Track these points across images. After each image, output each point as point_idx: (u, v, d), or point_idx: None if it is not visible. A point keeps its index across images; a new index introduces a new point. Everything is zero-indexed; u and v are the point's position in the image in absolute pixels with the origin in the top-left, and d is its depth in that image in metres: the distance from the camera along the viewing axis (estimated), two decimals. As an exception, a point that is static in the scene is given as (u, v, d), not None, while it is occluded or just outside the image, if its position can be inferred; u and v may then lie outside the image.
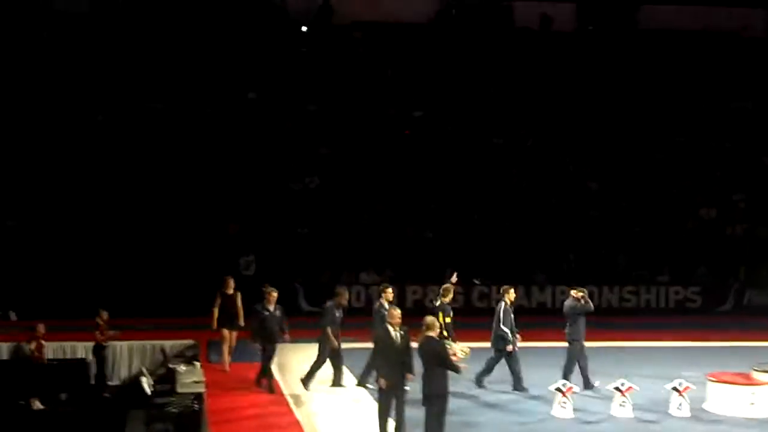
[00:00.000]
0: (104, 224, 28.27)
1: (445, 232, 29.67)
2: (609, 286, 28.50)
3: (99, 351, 20.91)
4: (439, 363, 12.96)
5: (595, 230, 30.93)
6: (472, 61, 36.31)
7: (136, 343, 22.11)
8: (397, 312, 13.77)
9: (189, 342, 22.17)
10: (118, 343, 21.53)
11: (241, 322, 19.15)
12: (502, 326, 17.36)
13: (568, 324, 17.65)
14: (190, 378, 18.45)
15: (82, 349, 21.54)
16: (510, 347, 17.33)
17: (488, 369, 17.70)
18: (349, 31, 37.48)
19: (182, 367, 19.71)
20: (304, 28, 37.77)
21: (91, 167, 30.28)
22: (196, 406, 16.50)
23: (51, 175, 29.83)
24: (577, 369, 17.45)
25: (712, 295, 28.88)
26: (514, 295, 17.86)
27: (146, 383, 18.23)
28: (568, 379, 16.63)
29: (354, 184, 31.34)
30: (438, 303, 17.30)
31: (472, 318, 21.91)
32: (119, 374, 21.94)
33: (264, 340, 17.68)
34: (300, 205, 30.32)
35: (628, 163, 33.50)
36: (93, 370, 21.16)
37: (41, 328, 20.11)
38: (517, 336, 17.47)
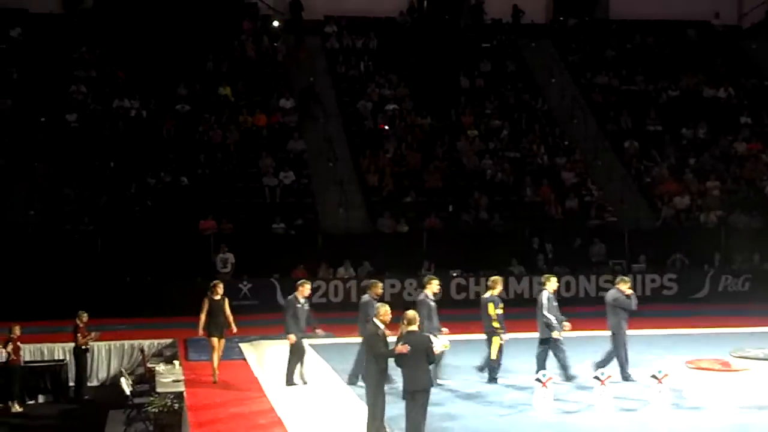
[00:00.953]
0: (78, 224, 28.09)
1: (418, 226, 29.62)
2: (585, 275, 28.59)
3: (79, 353, 20.80)
4: (425, 357, 12.92)
5: (571, 220, 31.07)
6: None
7: (114, 344, 22.05)
8: (386, 308, 13.60)
9: (168, 341, 22.14)
10: (96, 344, 21.44)
11: (233, 329, 18.25)
12: (546, 314, 17.03)
13: (608, 314, 17.49)
14: (170, 377, 18.45)
15: (61, 351, 21.43)
16: (556, 334, 17.04)
17: (540, 364, 17.16)
18: (321, 25, 37.55)
19: (161, 367, 19.71)
20: (275, 23, 37.83)
21: (63, 166, 30.18)
22: (176, 405, 16.47)
23: (24, 175, 29.69)
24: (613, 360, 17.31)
25: (688, 283, 29.03)
26: (556, 283, 17.70)
27: (125, 383, 18.18)
28: (603, 368, 16.36)
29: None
30: (488, 294, 17.24)
31: (451, 310, 21.90)
32: (98, 375, 21.88)
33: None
34: (275, 201, 30.27)
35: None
36: (72, 371, 21.07)
37: (17, 330, 19.95)
38: (565, 324, 17.16)
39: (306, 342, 17.85)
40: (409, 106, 34.33)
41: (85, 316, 20.61)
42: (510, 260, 29.11)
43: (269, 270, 27.58)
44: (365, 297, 17.17)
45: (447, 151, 32.78)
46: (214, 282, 18.52)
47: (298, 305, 17.43)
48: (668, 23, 40.32)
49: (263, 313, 25.62)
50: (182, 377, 18.27)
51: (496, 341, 17.05)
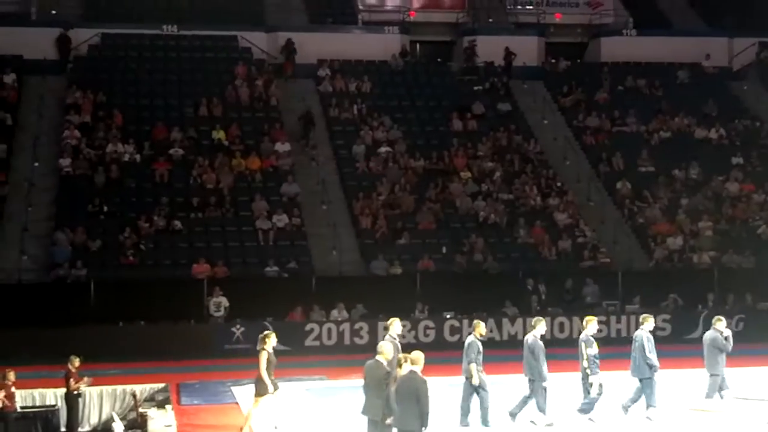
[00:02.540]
0: (72, 269, 28.08)
1: (412, 268, 29.65)
2: (579, 317, 28.50)
3: (71, 399, 20.68)
4: (417, 399, 12.90)
5: (565, 261, 31.12)
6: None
7: (106, 388, 21.92)
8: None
9: (160, 385, 22.03)
10: (88, 389, 21.33)
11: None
12: (648, 354, 17.15)
13: (705, 355, 17.64)
14: (162, 422, 18.37)
15: (53, 396, 21.32)
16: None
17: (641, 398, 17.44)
18: (314, 68, 37.83)
19: (153, 411, 19.63)
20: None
21: (56, 211, 30.23)
22: (167, 450, 16.38)
23: (18, 220, 29.74)
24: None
25: (682, 324, 28.99)
26: (653, 323, 17.79)
27: (117, 428, 18.09)
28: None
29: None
30: (582, 335, 17.30)
31: (444, 352, 21.86)
32: (90, 420, 21.72)
33: None
34: (268, 244, 30.30)
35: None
36: (63, 417, 20.95)
37: (11, 375, 19.87)
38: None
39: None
40: (402, 149, 34.47)
41: (77, 361, 20.51)
42: (503, 302, 29.11)
43: (263, 313, 27.54)
44: (470, 338, 17.15)
45: (440, 193, 32.88)
46: (268, 332, 17.34)
47: None
48: (659, 65, 40.68)
49: (256, 357, 25.50)
50: (174, 422, 18.20)
51: (595, 380, 16.96)
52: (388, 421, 13.54)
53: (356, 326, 27.63)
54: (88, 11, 39.39)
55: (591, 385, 16.88)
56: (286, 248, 30.21)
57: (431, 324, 27.63)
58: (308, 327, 27.40)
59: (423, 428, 13.08)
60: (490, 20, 42.16)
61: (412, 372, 13.09)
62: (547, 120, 37.67)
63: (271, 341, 16.69)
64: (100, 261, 28.68)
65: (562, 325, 28.09)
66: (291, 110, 36.30)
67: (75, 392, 20.63)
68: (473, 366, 16.71)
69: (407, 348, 15.25)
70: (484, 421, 16.86)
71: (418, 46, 42.16)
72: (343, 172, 33.96)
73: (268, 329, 17.39)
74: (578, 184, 34.58)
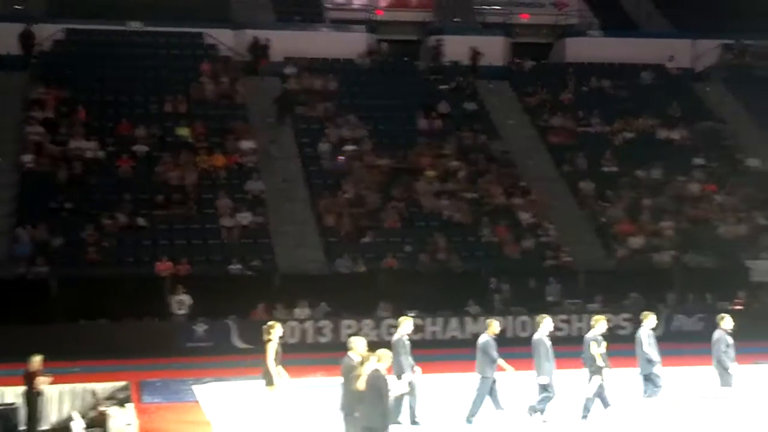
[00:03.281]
0: (33, 266, 27.92)
1: (376, 266, 29.71)
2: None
3: (31, 397, 20.52)
4: (380, 397, 12.93)
5: (528, 260, 31.29)
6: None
7: (66, 387, 21.77)
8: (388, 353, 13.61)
9: (121, 384, 21.90)
10: (47, 387, 21.17)
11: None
12: (645, 350, 17.52)
13: (713, 353, 17.79)
14: (122, 420, 18.27)
15: (11, 395, 21.14)
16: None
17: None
18: (281, 66, 37.78)
19: (114, 410, 19.52)
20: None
21: (18, 208, 30.03)
22: (127, 448, 16.32)
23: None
24: None
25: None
26: (655, 320, 18.12)
27: (77, 427, 18.00)
28: None
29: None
30: (590, 333, 17.45)
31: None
32: (49, 419, 21.53)
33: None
34: (232, 242, 30.25)
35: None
36: (23, 415, 20.79)
37: (-31, 374, 19.68)
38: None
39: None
40: (367, 147, 34.50)
41: (38, 360, 20.36)
42: (467, 300, 29.22)
43: (226, 311, 27.50)
44: (484, 336, 17.26)
45: (405, 191, 32.93)
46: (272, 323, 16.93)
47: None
48: (624, 66, 40.96)
49: (219, 355, 25.59)
50: (135, 420, 18.12)
51: (596, 379, 17.11)
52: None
53: (319, 324, 27.67)
54: (52, 7, 39.13)
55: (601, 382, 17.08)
56: (250, 246, 30.18)
57: (395, 322, 27.61)
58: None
59: (386, 426, 13.13)
60: (457, 20, 42.31)
61: (376, 370, 13.13)
62: (512, 120, 37.84)
63: (276, 331, 16.50)
64: (62, 258, 28.51)
65: (524, 324, 28.19)
66: (257, 107, 36.24)
67: (35, 391, 20.49)
68: (501, 361, 16.94)
69: (372, 346, 15.32)
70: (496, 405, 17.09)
71: (384, 44, 42.22)
72: (308, 170, 33.94)
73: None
74: (542, 184, 34.76)
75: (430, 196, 32.84)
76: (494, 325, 17.34)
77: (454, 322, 28.43)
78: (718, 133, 38.11)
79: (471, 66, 39.78)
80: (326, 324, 27.70)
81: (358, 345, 14.25)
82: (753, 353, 22.45)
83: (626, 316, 28.95)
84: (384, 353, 13.32)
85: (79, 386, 21.72)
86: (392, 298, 28.44)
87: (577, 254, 31.89)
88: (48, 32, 37.21)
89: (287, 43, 38.44)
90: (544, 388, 17.00)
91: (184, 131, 33.82)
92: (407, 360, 16.81)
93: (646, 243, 32.15)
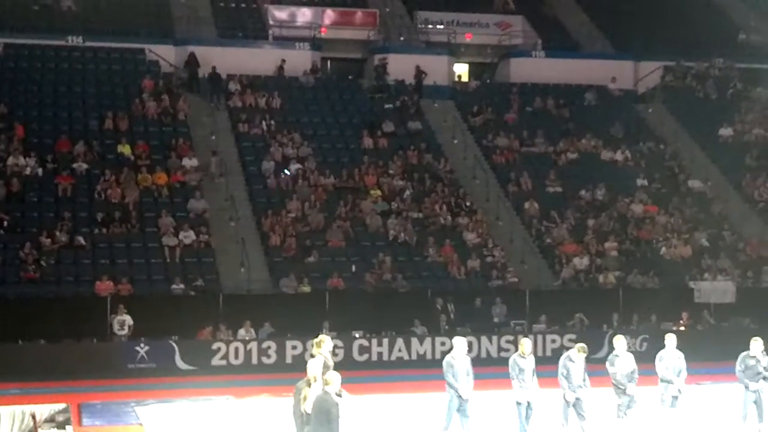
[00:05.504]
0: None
1: (321, 286, 29.42)
2: (487, 336, 28.63)
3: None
4: (327, 421, 12.63)
5: (474, 280, 31.22)
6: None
7: (3, 408, 21.16)
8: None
9: (61, 406, 21.32)
10: (-16, 409, 20.58)
11: None
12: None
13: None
14: (62, 444, 17.79)
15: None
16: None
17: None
18: (224, 83, 37.46)
19: (53, 433, 19.03)
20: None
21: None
22: (67, 473, 15.85)
23: None
24: None
25: (587, 343, 29.07)
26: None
27: (15, 451, 17.47)
28: None
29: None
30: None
31: (353, 372, 21.61)
32: (-14, 442, 20.95)
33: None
34: (174, 261, 29.78)
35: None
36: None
37: None
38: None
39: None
40: (312, 166, 34.25)
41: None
42: (413, 320, 29.04)
43: (168, 332, 27.02)
44: (513, 356, 17.19)
45: (350, 210, 32.73)
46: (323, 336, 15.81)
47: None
48: (567, 87, 41.25)
49: (161, 377, 25.15)
50: (75, 444, 17.63)
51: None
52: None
53: (264, 345, 27.29)
54: (-11, 21, 38.40)
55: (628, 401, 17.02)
56: (193, 265, 29.72)
57: (340, 343, 27.36)
58: (215, 346, 26.96)
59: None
60: (401, 38, 42.30)
61: (325, 392, 12.85)
62: (457, 139, 37.84)
63: (327, 345, 15.83)
64: (-1, 277, 27.88)
65: (470, 344, 27.94)
66: (199, 125, 35.83)
67: (-30, 413, 19.88)
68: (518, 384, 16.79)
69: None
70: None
71: (329, 62, 42.06)
72: (252, 188, 33.59)
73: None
74: (487, 204, 34.76)
75: (375, 216, 32.66)
76: (524, 345, 17.16)
77: (400, 342, 28.19)
78: (659, 155, 38.45)
79: (415, 85, 39.76)
80: (270, 345, 27.31)
81: (309, 366, 13.92)
82: (697, 374, 22.52)
83: (571, 336, 28.94)
84: (333, 377, 13.03)
85: (17, 408, 21.11)
86: (338, 319, 28.11)
87: (523, 274, 31.89)
88: (-15, 47, 36.52)
89: (230, 59, 38.11)
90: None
91: (125, 148, 33.29)
92: None
93: (590, 263, 32.24)
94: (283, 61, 38.76)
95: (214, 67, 36.98)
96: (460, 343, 17.02)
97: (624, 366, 17.20)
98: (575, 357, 17.08)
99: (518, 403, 16.97)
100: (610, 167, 37.33)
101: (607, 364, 17.29)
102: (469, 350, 27.08)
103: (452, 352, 16.98)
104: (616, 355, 17.35)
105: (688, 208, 35.57)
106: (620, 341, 17.54)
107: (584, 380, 17.04)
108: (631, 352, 18.35)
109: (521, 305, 30.10)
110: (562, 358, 17.34)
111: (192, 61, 37.61)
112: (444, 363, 16.90)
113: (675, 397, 17.65)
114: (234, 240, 31.10)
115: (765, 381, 17.49)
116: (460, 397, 16.73)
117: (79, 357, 25.89)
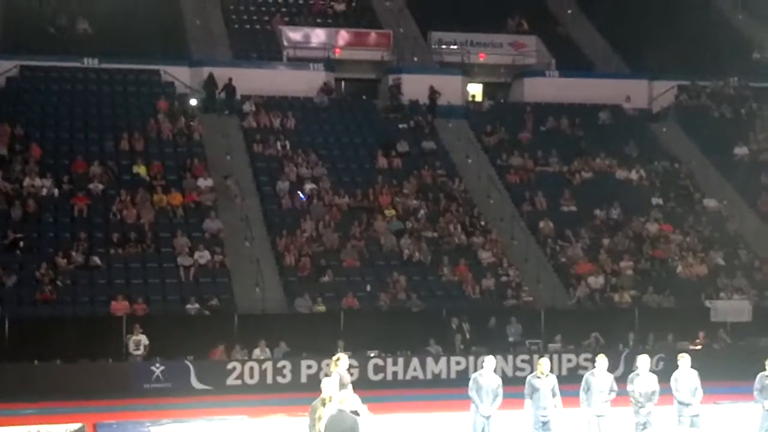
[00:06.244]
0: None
1: (336, 305, 29.42)
2: (503, 355, 28.56)
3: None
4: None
5: (489, 300, 31.17)
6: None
7: (20, 429, 21.24)
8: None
9: (76, 426, 21.38)
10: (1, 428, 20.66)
11: None
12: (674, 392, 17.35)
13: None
14: (78, 464, 17.81)
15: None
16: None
17: None
18: (239, 104, 37.64)
19: (69, 453, 19.05)
20: (193, 102, 37.89)
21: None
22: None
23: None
24: None
25: (603, 362, 29.08)
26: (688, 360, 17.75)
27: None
28: None
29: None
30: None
31: (368, 391, 21.58)
32: (2, 462, 21.01)
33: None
34: (189, 281, 29.84)
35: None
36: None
37: None
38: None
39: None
40: (326, 186, 34.32)
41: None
42: (427, 340, 29.01)
43: (183, 352, 27.06)
44: (530, 376, 17.29)
45: (364, 230, 32.76)
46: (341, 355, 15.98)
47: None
48: (581, 106, 41.27)
49: (176, 397, 25.17)
50: (91, 464, 17.66)
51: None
52: None
53: (279, 365, 27.29)
54: (6, 42, 38.67)
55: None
56: (207, 285, 29.78)
57: (355, 363, 27.31)
58: (230, 366, 26.99)
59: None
60: (415, 59, 42.41)
61: (339, 411, 12.80)
62: (471, 159, 37.85)
63: (343, 363, 15.85)
64: (15, 297, 28.02)
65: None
66: (214, 145, 35.97)
67: (-13, 433, 19.96)
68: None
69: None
70: None
71: (343, 83, 42.20)
72: (266, 208, 33.66)
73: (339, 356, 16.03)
74: (502, 223, 34.74)
75: (389, 235, 32.68)
76: (542, 365, 17.17)
77: (415, 361, 28.17)
78: (674, 173, 38.40)
79: (429, 105, 39.85)
80: (285, 364, 27.31)
81: (323, 386, 13.89)
82: (713, 393, 22.41)
83: (586, 356, 28.85)
84: (345, 395, 13.00)
85: (33, 429, 21.20)
86: (352, 338, 28.10)
87: (538, 293, 31.85)
88: (2, 68, 36.79)
89: (245, 80, 38.28)
90: None
91: (140, 169, 33.44)
92: None
93: (605, 282, 32.16)
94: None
95: (230, 79, 37.38)
96: (489, 361, 17.04)
97: (644, 385, 17.09)
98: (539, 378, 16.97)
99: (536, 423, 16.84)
100: (624, 186, 37.29)
101: (628, 382, 17.20)
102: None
103: (481, 370, 16.98)
104: (638, 374, 17.25)
105: (703, 227, 35.50)
106: (643, 360, 17.36)
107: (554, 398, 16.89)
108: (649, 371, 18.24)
109: (536, 324, 30.05)
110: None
111: (211, 82, 37.82)
112: (471, 380, 16.95)
113: (695, 416, 17.51)
114: (249, 260, 31.14)
115: (782, 400, 17.38)
116: (481, 415, 16.69)
117: (94, 377, 25.94)
